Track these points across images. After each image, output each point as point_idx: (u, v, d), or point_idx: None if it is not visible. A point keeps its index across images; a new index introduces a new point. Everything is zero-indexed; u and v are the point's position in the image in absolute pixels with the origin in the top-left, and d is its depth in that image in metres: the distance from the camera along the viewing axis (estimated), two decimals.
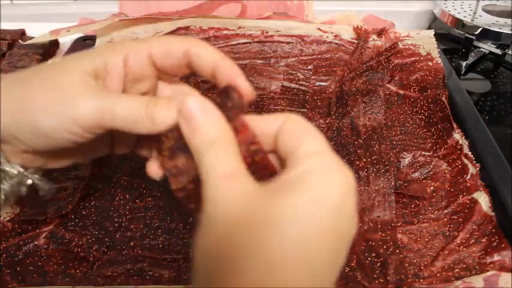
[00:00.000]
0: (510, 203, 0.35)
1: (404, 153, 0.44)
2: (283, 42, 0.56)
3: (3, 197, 0.25)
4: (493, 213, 0.36)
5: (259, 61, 0.55)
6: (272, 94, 0.52)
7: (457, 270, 0.33)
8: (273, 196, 0.18)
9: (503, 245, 0.34)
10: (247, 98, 0.22)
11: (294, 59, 0.55)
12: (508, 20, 0.58)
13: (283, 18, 0.58)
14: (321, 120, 0.49)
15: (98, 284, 0.33)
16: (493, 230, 0.35)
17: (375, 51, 0.53)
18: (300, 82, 0.53)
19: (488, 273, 0.32)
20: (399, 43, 0.53)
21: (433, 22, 0.69)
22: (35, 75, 0.23)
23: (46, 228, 0.37)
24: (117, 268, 0.35)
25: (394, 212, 0.37)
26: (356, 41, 0.55)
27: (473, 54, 0.60)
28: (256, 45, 0.56)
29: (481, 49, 0.60)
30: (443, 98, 0.48)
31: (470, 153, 0.41)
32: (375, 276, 0.33)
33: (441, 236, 0.36)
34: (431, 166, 0.42)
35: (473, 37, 0.58)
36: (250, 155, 0.21)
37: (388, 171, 0.40)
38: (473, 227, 0.36)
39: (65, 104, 0.22)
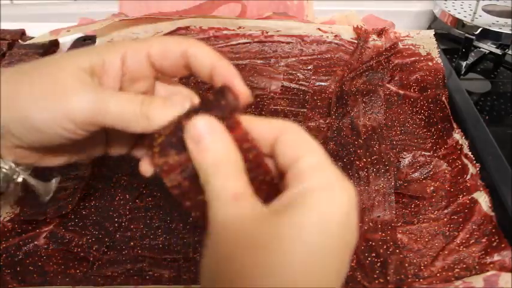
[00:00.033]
0: (510, 203, 0.35)
1: (404, 153, 0.44)
2: (283, 42, 0.56)
3: None
4: (493, 213, 0.36)
5: (259, 61, 0.55)
6: (272, 94, 0.52)
7: (457, 270, 0.33)
8: (280, 215, 0.18)
9: (503, 245, 0.34)
10: (243, 99, 0.22)
11: (294, 59, 0.55)
12: (508, 20, 0.58)
13: (283, 18, 0.58)
14: (321, 120, 0.49)
15: (98, 284, 0.33)
16: (493, 230, 0.35)
17: (375, 51, 0.53)
18: (300, 82, 0.53)
19: (488, 273, 0.32)
20: (399, 43, 0.53)
21: (433, 22, 0.69)
22: (29, 69, 0.23)
23: (46, 228, 0.37)
24: (117, 268, 0.35)
25: (394, 212, 0.37)
26: (356, 41, 0.55)
27: (473, 54, 0.60)
28: (256, 45, 0.56)
29: (481, 49, 0.60)
30: (443, 98, 0.48)
31: (470, 153, 0.41)
32: (375, 276, 0.33)
33: (441, 236, 0.36)
34: (431, 166, 0.42)
35: (473, 37, 0.58)
36: (243, 153, 0.21)
37: (388, 171, 0.40)
38: (473, 227, 0.36)
39: (57, 98, 0.22)
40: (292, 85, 0.53)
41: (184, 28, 0.56)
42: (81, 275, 0.34)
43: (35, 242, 0.36)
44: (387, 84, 0.52)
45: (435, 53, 0.52)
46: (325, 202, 0.18)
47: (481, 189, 0.38)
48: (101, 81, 0.24)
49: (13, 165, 0.24)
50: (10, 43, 0.60)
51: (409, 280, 0.33)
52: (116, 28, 0.55)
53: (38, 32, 0.59)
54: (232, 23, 0.56)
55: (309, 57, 0.55)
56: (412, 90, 0.51)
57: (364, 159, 0.41)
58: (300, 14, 0.63)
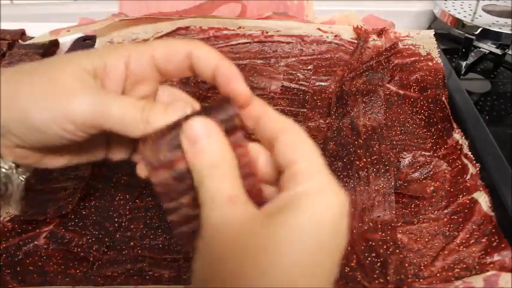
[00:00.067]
0: (510, 203, 0.35)
1: (404, 153, 0.44)
2: (283, 42, 0.56)
3: None
4: (493, 213, 0.36)
5: (259, 61, 0.55)
6: (272, 94, 0.52)
7: (457, 270, 0.33)
8: (275, 217, 0.18)
9: (503, 245, 0.34)
10: (243, 100, 0.22)
11: (294, 59, 0.55)
12: (508, 20, 0.58)
13: (283, 18, 0.58)
14: (321, 120, 0.49)
15: (98, 284, 0.33)
16: (493, 230, 0.35)
17: (375, 51, 0.53)
18: (300, 82, 0.53)
19: (488, 273, 0.32)
20: (399, 43, 0.53)
21: (433, 22, 0.69)
22: (30, 69, 0.23)
23: (46, 228, 0.37)
24: (117, 268, 0.35)
25: (394, 212, 0.37)
26: (356, 41, 0.55)
27: (473, 54, 0.60)
28: (256, 45, 0.56)
29: (481, 49, 0.60)
30: (443, 98, 0.48)
31: (470, 153, 0.41)
32: (375, 276, 0.33)
33: (441, 236, 0.36)
34: (431, 166, 0.42)
35: (473, 37, 0.58)
36: (237, 158, 0.21)
37: (388, 171, 0.40)
38: (473, 227, 0.36)
39: (58, 99, 0.22)
40: (292, 85, 0.53)
41: (184, 28, 0.56)
42: (81, 275, 0.34)
43: (35, 242, 0.36)
44: (387, 84, 0.52)
45: (435, 53, 0.52)
46: (319, 205, 0.18)
47: (481, 189, 0.38)
48: (104, 83, 0.24)
49: (13, 165, 0.24)
50: (10, 43, 0.60)
51: (409, 280, 0.33)
52: (116, 28, 0.55)
53: (38, 32, 0.59)
54: (232, 23, 0.56)
55: (309, 57, 0.55)
56: (412, 90, 0.51)
57: (364, 159, 0.41)
58: (300, 14, 0.63)
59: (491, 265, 0.33)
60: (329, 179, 0.20)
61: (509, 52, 0.61)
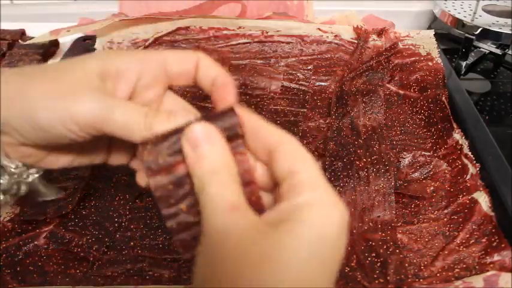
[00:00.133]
0: (510, 203, 0.35)
1: (404, 153, 0.44)
2: (283, 42, 0.56)
3: (1, 196, 0.25)
4: (493, 213, 0.36)
5: (259, 61, 0.55)
6: (272, 94, 0.52)
7: (457, 270, 0.33)
8: (278, 227, 0.18)
9: (503, 245, 0.34)
10: (228, 103, 0.23)
11: (294, 59, 0.55)
12: (508, 20, 0.58)
13: (283, 18, 0.58)
14: (321, 120, 0.49)
15: (98, 284, 0.33)
16: (493, 230, 0.35)
17: (375, 51, 0.53)
18: (300, 82, 0.53)
19: (488, 273, 0.32)
20: (399, 43, 0.53)
21: (433, 22, 0.69)
22: (38, 70, 0.23)
23: (46, 228, 0.37)
24: (117, 268, 0.35)
25: (394, 212, 0.37)
26: (356, 41, 0.55)
27: (473, 54, 0.60)
28: (256, 45, 0.56)
29: (481, 49, 0.60)
30: (443, 98, 0.48)
31: (470, 153, 0.41)
32: (375, 276, 0.33)
33: (441, 236, 0.36)
34: (431, 166, 0.42)
35: (473, 37, 0.58)
36: (237, 166, 0.21)
37: (388, 171, 0.40)
38: (473, 227, 0.36)
39: (64, 98, 0.22)
40: (292, 85, 0.53)
41: (184, 28, 0.56)
42: (81, 275, 0.34)
43: (35, 242, 0.36)
44: (387, 84, 0.52)
45: (435, 53, 0.52)
46: (320, 216, 0.19)
47: (481, 189, 0.38)
48: (115, 86, 0.24)
49: (20, 164, 0.25)
50: (10, 43, 0.60)
51: (409, 280, 0.33)
52: (116, 28, 0.55)
53: (38, 32, 0.59)
54: (232, 23, 0.56)
55: (309, 57, 0.55)
56: (412, 90, 0.51)
57: (364, 159, 0.41)
58: (300, 14, 0.63)
59: (491, 265, 0.33)
60: (330, 190, 0.20)
61: (509, 52, 0.61)
